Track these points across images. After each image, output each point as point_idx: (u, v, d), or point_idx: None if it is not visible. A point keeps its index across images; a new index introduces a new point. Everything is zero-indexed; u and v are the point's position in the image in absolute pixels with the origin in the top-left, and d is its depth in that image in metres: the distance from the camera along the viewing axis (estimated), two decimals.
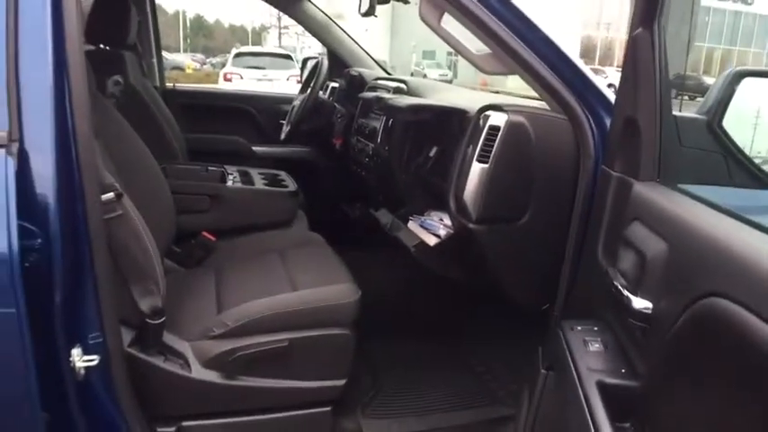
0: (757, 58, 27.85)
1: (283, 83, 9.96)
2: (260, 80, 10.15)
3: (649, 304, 0.74)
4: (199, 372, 1.26)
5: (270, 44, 33.15)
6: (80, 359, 1.00)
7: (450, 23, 1.32)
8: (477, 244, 1.31)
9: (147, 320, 1.20)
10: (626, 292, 0.79)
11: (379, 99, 1.93)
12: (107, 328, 1.05)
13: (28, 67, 0.95)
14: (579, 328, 0.94)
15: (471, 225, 1.28)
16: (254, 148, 2.74)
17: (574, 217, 1.21)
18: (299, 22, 2.71)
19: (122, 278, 1.17)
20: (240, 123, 2.86)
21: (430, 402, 1.58)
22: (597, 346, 0.88)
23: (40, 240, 0.94)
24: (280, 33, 31.86)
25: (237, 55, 11.40)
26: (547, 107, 1.29)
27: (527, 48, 1.21)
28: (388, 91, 2.12)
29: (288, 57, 11.62)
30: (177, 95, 2.83)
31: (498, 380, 1.71)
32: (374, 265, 1.89)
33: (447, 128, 1.65)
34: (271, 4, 2.80)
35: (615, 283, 0.83)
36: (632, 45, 0.95)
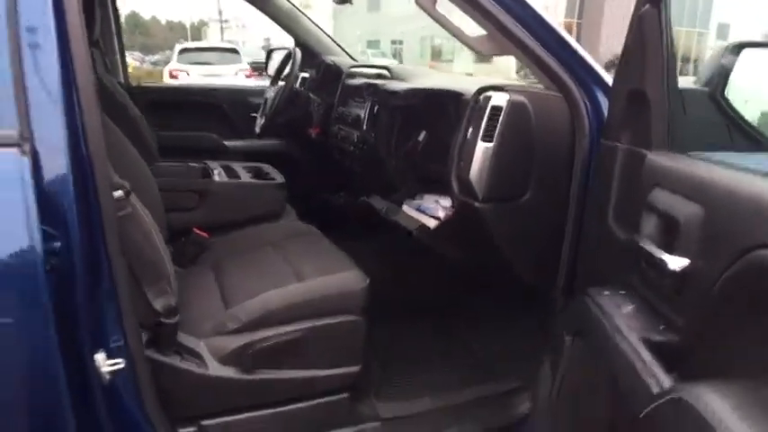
0: (702, 38, 28.55)
1: (231, 77, 9.73)
2: (207, 76, 9.86)
3: (686, 261, 0.78)
4: (216, 368, 1.25)
5: (210, 39, 32.25)
6: (105, 363, 0.97)
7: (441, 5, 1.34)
8: (483, 222, 1.34)
9: (162, 320, 1.17)
10: (659, 254, 0.83)
11: (370, 85, 1.92)
12: (128, 331, 1.02)
13: (33, 61, 0.90)
14: (607, 293, 0.98)
15: (478, 204, 1.31)
16: (226, 143, 2.69)
17: (572, 191, 1.26)
18: (266, 13, 2.65)
19: (135, 278, 1.14)
20: (209, 119, 2.79)
21: (441, 380, 1.60)
22: (630, 308, 0.92)
23: (59, 243, 0.90)
24: (222, 27, 31.04)
25: (182, 51, 11.02)
26: (535, 86, 1.33)
27: (522, 27, 1.24)
28: (371, 78, 2.12)
29: (234, 51, 11.35)
30: (143, 93, 2.73)
31: (503, 355, 1.75)
32: (365, 254, 1.89)
33: (438, 111, 1.66)
34: None
35: (644, 246, 0.87)
36: (639, 21, 0.99)
